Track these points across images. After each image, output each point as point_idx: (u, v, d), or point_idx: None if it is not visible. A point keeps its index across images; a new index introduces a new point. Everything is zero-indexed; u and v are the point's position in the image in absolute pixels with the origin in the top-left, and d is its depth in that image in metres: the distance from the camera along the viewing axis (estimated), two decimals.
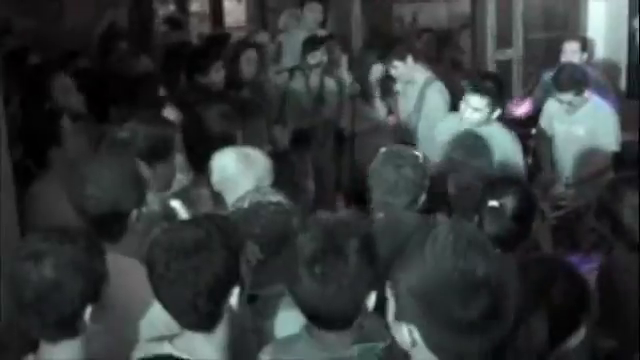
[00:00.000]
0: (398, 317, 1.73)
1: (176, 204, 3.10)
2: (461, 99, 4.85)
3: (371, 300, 2.07)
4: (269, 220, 2.55)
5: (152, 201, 2.70)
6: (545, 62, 6.95)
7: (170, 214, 3.07)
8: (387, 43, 6.20)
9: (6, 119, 3.45)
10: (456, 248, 1.65)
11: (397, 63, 5.80)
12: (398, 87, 5.93)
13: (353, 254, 2.03)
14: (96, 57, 5.93)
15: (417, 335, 1.70)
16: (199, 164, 3.44)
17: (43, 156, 2.65)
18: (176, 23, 8.51)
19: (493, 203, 3.17)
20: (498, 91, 4.79)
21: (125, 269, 2.35)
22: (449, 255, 1.65)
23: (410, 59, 5.81)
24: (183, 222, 2.14)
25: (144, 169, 2.65)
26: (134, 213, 2.58)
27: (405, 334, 1.71)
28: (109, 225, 2.55)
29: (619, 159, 5.28)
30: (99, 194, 2.51)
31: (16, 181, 3.49)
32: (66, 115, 3.65)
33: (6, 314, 2.29)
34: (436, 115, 5.54)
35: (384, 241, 2.19)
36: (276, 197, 2.64)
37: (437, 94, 5.71)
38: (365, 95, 6.06)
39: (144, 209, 2.61)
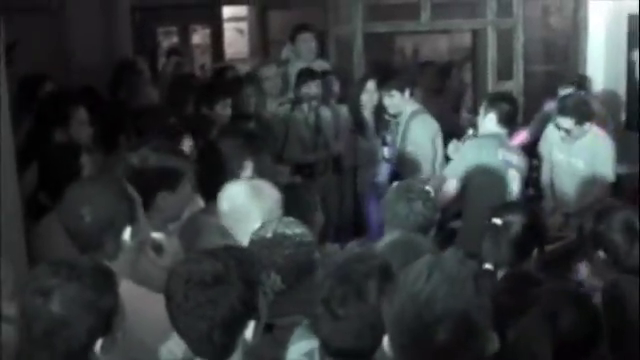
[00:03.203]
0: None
1: (157, 235, 3.06)
2: (460, 131, 4.91)
3: None
4: (292, 251, 2.58)
5: (144, 227, 2.71)
6: (545, 94, 7.02)
7: (155, 244, 3.06)
8: (387, 74, 6.17)
9: (15, 147, 3.47)
10: (429, 280, 1.71)
11: (395, 92, 5.77)
12: (389, 118, 5.91)
13: (372, 294, 2.08)
14: (105, 89, 5.98)
15: None
16: (210, 192, 3.43)
17: (59, 190, 2.66)
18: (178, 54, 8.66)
19: (496, 221, 3.28)
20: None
21: (138, 298, 2.40)
22: (419, 286, 1.70)
23: (407, 92, 5.79)
24: (202, 253, 2.15)
25: (134, 192, 2.66)
26: (127, 231, 2.59)
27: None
28: (104, 241, 2.55)
29: (617, 191, 5.32)
30: (93, 209, 2.53)
31: (28, 214, 3.51)
32: (84, 151, 3.70)
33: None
34: (416, 148, 5.66)
35: (396, 261, 2.25)
36: (300, 228, 2.67)
37: (419, 128, 5.72)
38: (360, 127, 6.08)
39: (138, 234, 2.62)
